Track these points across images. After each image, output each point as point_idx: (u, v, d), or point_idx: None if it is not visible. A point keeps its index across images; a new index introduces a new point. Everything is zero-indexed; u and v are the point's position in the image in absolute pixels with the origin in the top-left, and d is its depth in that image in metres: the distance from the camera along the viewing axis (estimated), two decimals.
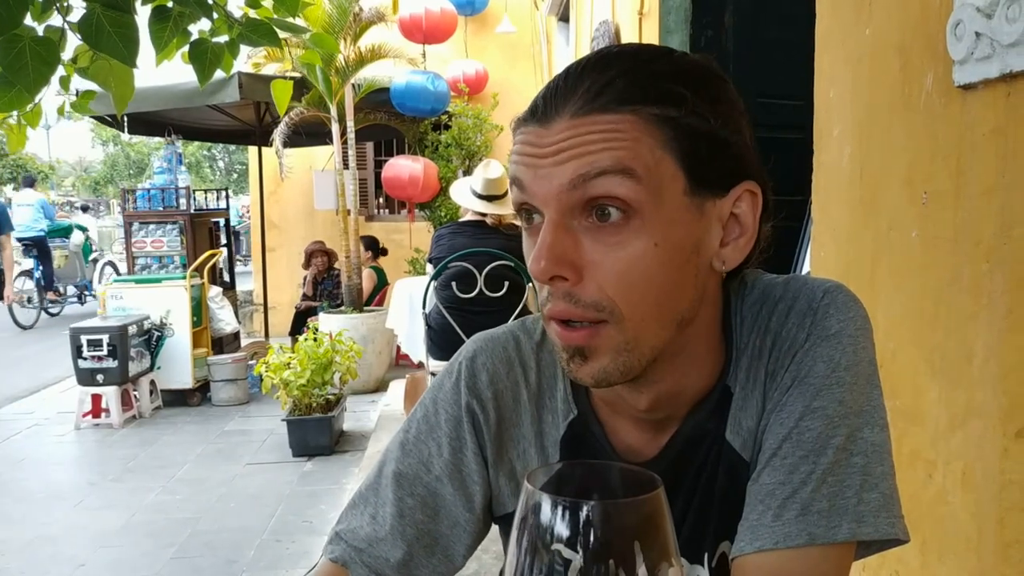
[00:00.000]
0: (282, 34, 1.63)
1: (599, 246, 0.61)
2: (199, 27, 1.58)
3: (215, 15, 1.54)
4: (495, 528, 0.81)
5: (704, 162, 0.62)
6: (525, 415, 0.77)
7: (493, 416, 0.76)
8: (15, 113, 1.73)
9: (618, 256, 0.61)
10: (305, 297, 7.00)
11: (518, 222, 0.68)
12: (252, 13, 1.60)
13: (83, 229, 11.23)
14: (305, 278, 7.08)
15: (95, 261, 11.41)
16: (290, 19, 1.67)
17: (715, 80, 0.65)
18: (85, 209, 11.15)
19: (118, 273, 9.79)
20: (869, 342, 0.69)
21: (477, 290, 3.58)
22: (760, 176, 0.66)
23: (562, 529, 0.45)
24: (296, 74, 5.70)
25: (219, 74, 1.63)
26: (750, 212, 0.66)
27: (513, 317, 3.56)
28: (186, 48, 1.57)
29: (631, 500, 0.46)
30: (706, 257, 0.65)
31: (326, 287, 6.92)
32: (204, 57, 1.53)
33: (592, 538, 0.44)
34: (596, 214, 0.61)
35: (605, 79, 0.61)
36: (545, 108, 0.63)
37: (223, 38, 1.57)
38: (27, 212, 9.67)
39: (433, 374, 3.54)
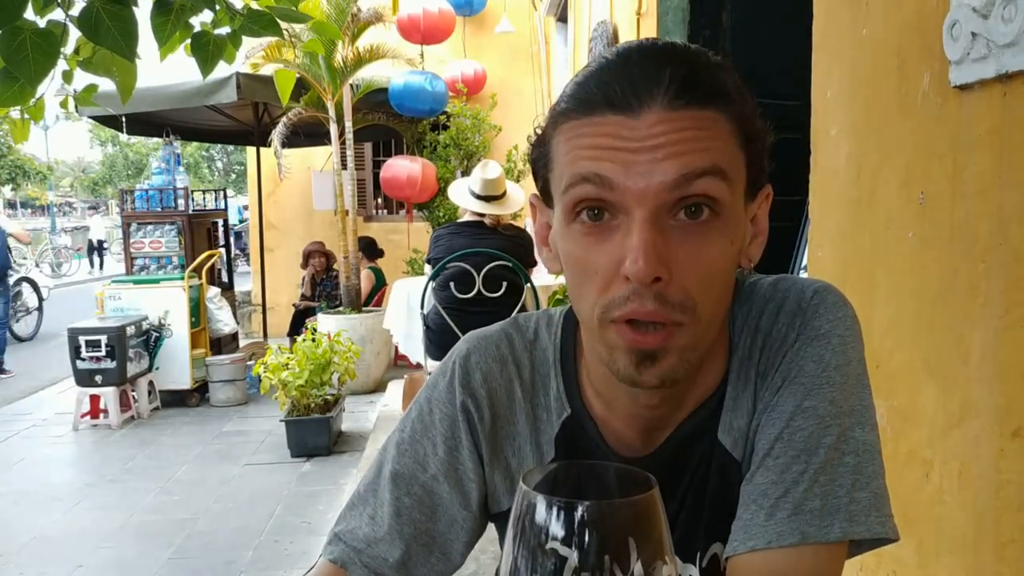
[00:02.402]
0: (283, 26, 1.63)
1: (687, 246, 0.60)
2: (201, 19, 1.58)
3: (217, 7, 1.53)
4: (493, 528, 0.81)
5: (757, 164, 0.64)
6: (520, 413, 0.77)
7: (488, 414, 0.76)
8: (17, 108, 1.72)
9: (703, 255, 0.61)
10: (304, 297, 7.00)
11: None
12: (254, 4, 1.60)
13: None
14: (304, 278, 7.08)
15: None
16: (291, 8, 1.67)
17: (744, 82, 0.65)
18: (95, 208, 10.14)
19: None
20: (858, 342, 0.69)
21: (475, 291, 3.58)
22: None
23: (557, 529, 0.45)
24: (296, 73, 5.70)
25: (217, 74, 1.64)
26: (765, 213, 0.68)
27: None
28: (188, 41, 1.57)
29: (626, 500, 0.46)
30: (742, 256, 0.67)
31: (325, 287, 6.92)
32: (206, 49, 1.52)
33: (587, 537, 0.44)
34: (687, 212, 0.60)
35: (687, 72, 0.60)
36: (626, 98, 0.60)
37: (225, 30, 1.56)
38: None
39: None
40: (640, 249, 0.58)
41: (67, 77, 1.73)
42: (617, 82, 0.61)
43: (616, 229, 0.61)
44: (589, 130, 0.61)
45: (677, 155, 0.59)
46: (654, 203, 0.59)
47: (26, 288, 9.40)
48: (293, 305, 7.16)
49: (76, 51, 1.58)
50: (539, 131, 0.68)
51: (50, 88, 1.45)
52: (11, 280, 7.99)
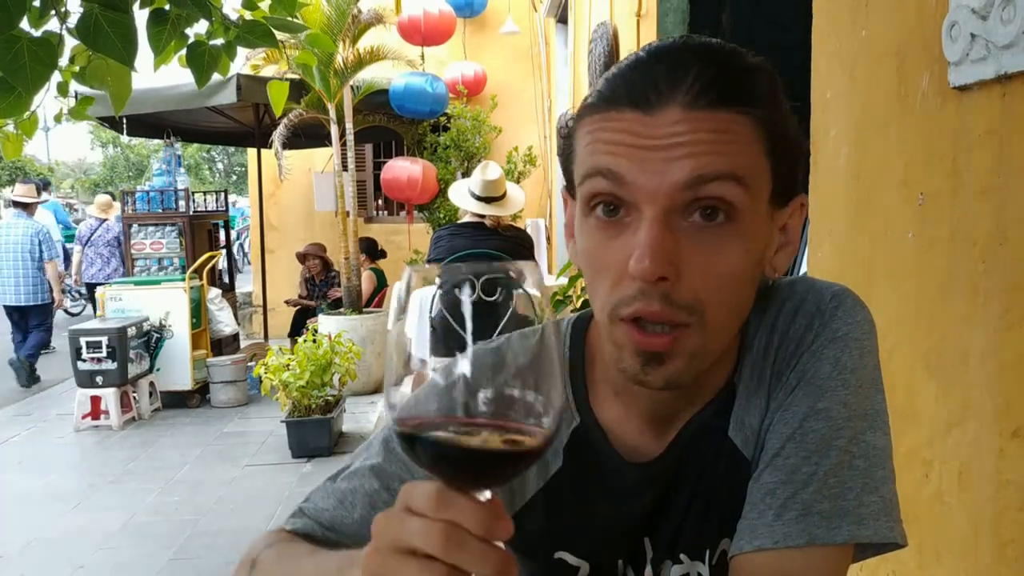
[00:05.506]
0: (280, 36, 1.64)
1: (699, 248, 0.60)
2: (196, 30, 1.59)
3: (212, 17, 1.54)
4: None
5: (787, 171, 0.63)
6: None
7: None
8: (10, 122, 1.73)
9: (716, 259, 0.60)
10: (300, 297, 7.01)
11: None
12: (248, 15, 1.61)
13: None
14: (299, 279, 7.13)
15: None
16: (288, 18, 1.67)
17: (782, 87, 0.64)
18: (45, 186, 9.99)
19: None
20: (874, 346, 0.69)
21: (474, 293, 3.58)
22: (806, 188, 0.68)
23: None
24: (295, 76, 5.70)
25: (217, 76, 1.63)
26: (798, 223, 0.67)
27: (505, 319, 3.55)
28: (183, 51, 1.57)
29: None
30: (764, 264, 0.66)
31: (321, 288, 6.93)
32: (201, 60, 1.53)
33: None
34: (701, 214, 0.59)
35: (712, 72, 0.59)
36: (647, 95, 0.59)
37: (220, 40, 1.57)
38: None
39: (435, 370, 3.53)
40: (646, 247, 0.58)
41: (62, 90, 1.73)
42: (641, 78, 0.60)
43: (628, 226, 0.61)
44: (607, 124, 0.61)
45: (692, 156, 0.58)
46: (665, 202, 0.59)
47: None
48: (285, 302, 7.15)
49: (71, 60, 1.59)
50: (569, 124, 0.68)
51: (46, 97, 1.45)
52: None
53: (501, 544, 0.44)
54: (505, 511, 0.45)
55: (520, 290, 0.48)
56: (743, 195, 0.59)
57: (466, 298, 0.48)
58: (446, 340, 0.47)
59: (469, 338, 0.47)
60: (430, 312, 0.53)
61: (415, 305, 0.49)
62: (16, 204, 6.82)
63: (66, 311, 9.85)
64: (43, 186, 9.66)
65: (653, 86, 0.59)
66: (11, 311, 6.73)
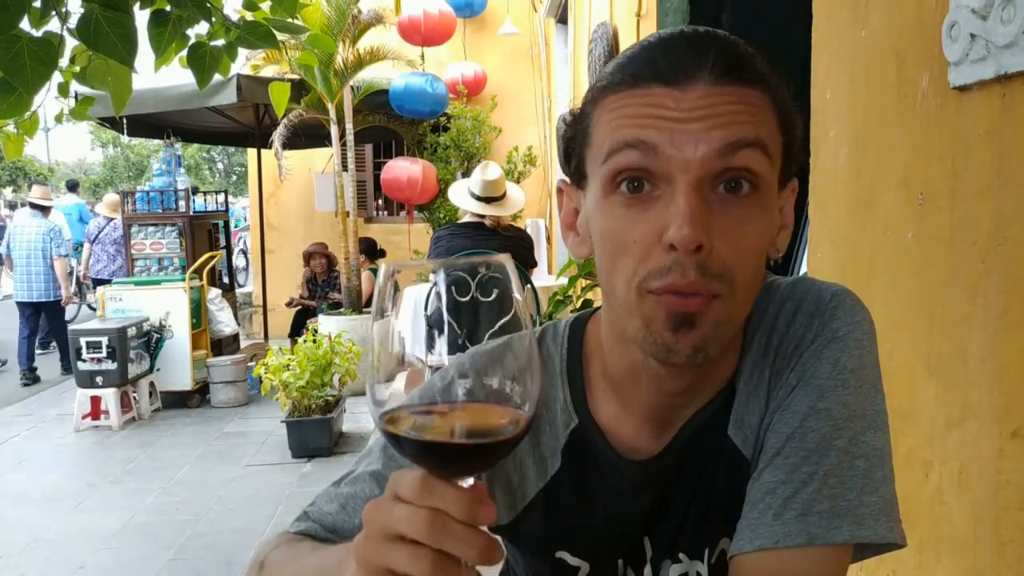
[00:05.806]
0: (280, 36, 1.64)
1: (725, 219, 0.61)
2: (196, 31, 1.59)
3: (213, 18, 1.54)
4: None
5: (792, 151, 0.65)
6: None
7: None
8: (11, 122, 1.73)
9: (742, 231, 0.61)
10: (301, 297, 7.01)
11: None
12: (249, 16, 1.61)
13: None
14: (301, 280, 7.12)
15: None
16: (288, 20, 1.68)
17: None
18: (73, 187, 11.07)
19: None
20: (874, 346, 0.69)
21: (471, 295, 3.58)
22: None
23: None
24: (295, 76, 5.70)
25: (218, 76, 1.64)
26: (791, 207, 0.69)
27: (498, 322, 3.56)
28: (184, 52, 1.57)
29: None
30: (773, 242, 0.68)
31: (323, 288, 6.92)
32: (202, 61, 1.53)
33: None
34: (726, 186, 0.61)
35: (734, 52, 0.62)
36: (674, 71, 0.61)
37: (221, 41, 1.57)
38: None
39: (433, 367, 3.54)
40: (686, 215, 0.59)
41: (63, 90, 1.73)
42: (663, 57, 0.62)
43: (657, 200, 0.61)
44: (634, 100, 0.62)
45: (723, 126, 0.60)
46: (699, 172, 0.60)
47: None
48: (286, 304, 7.15)
49: (72, 60, 1.59)
50: (575, 111, 0.68)
51: (47, 97, 1.45)
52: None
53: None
54: (488, 497, 0.46)
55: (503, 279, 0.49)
56: (767, 165, 0.62)
57: (446, 292, 0.49)
58: (434, 336, 0.49)
59: (445, 329, 0.48)
60: (425, 310, 0.54)
61: (408, 302, 0.50)
62: (33, 205, 7.09)
63: (90, 306, 10.12)
64: (71, 187, 11.01)
65: (678, 62, 0.61)
66: (24, 307, 6.97)
